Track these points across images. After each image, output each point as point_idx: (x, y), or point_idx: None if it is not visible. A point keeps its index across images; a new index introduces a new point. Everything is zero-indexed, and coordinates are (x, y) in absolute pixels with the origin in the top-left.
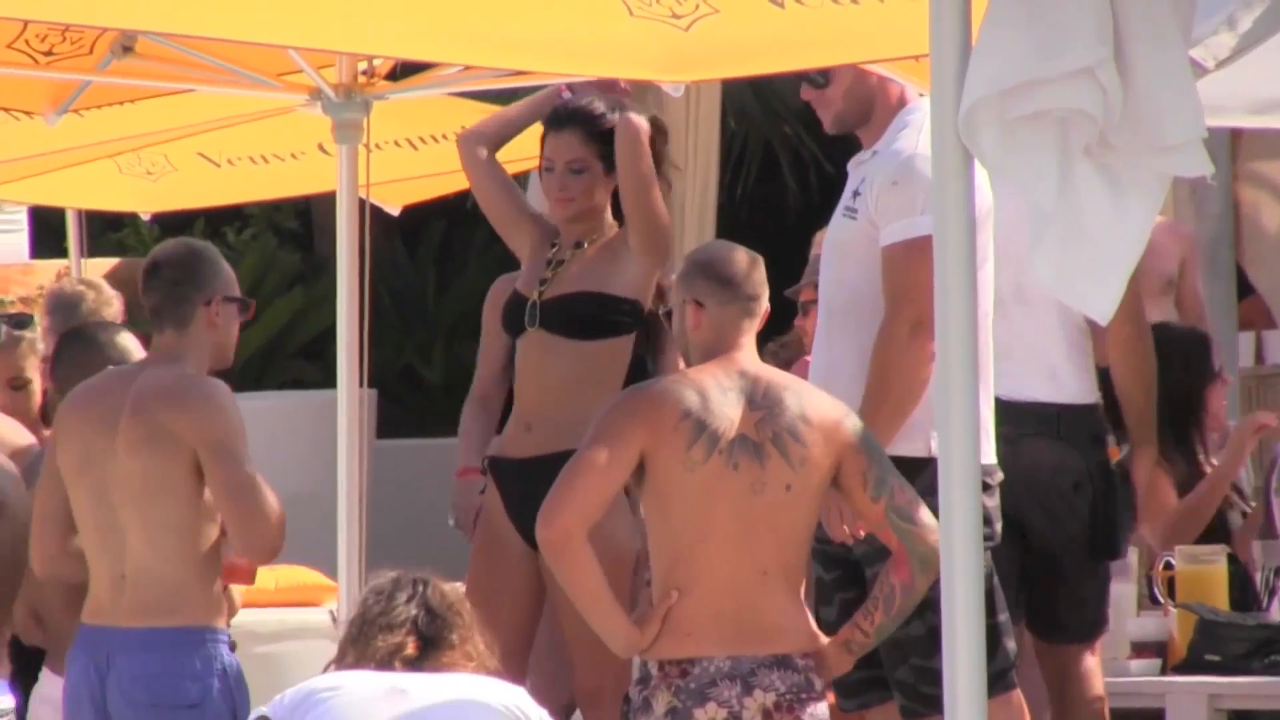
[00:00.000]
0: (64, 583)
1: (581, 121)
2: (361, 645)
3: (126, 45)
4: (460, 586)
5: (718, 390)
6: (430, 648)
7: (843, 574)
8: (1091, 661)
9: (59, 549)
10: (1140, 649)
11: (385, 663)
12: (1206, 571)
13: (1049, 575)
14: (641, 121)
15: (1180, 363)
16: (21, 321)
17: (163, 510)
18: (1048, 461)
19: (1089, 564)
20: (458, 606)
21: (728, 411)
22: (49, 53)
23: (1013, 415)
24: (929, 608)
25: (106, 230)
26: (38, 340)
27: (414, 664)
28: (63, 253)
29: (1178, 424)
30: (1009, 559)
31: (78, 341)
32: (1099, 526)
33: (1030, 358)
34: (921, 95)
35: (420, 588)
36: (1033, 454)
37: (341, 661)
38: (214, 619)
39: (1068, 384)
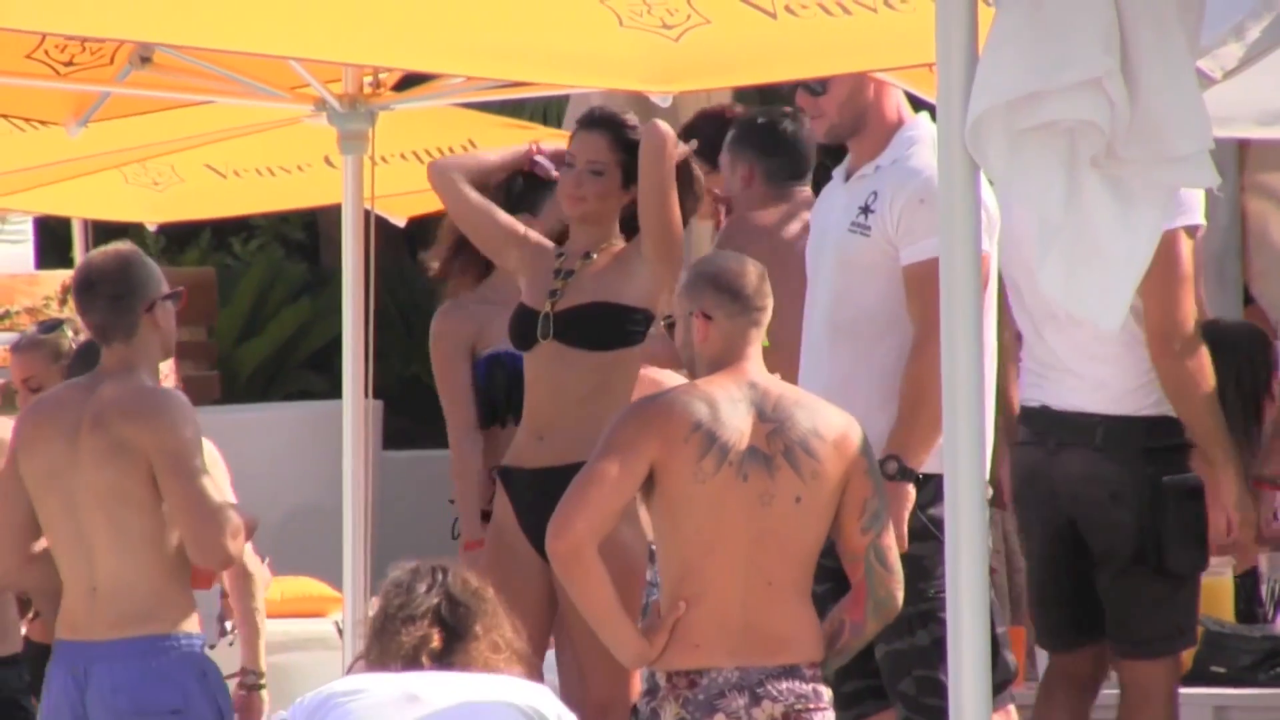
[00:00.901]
0: (26, 591)
1: (611, 127)
2: (385, 640)
3: (145, 56)
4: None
5: (728, 402)
6: (455, 639)
7: (834, 586)
8: (1149, 680)
9: (16, 558)
10: None
11: (411, 658)
12: (1212, 584)
13: (1098, 585)
14: (668, 130)
15: (1243, 360)
16: (50, 326)
17: (129, 520)
18: (1077, 471)
19: (1135, 578)
20: (481, 592)
21: (738, 423)
22: (69, 63)
23: (1055, 425)
24: (932, 619)
25: (111, 240)
26: (61, 344)
27: (440, 657)
28: (68, 263)
29: (1236, 425)
30: (1063, 570)
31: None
32: (1147, 540)
33: (1081, 369)
34: (919, 111)
35: (440, 575)
36: (1067, 464)
37: (367, 659)
38: (187, 624)
39: (1117, 395)
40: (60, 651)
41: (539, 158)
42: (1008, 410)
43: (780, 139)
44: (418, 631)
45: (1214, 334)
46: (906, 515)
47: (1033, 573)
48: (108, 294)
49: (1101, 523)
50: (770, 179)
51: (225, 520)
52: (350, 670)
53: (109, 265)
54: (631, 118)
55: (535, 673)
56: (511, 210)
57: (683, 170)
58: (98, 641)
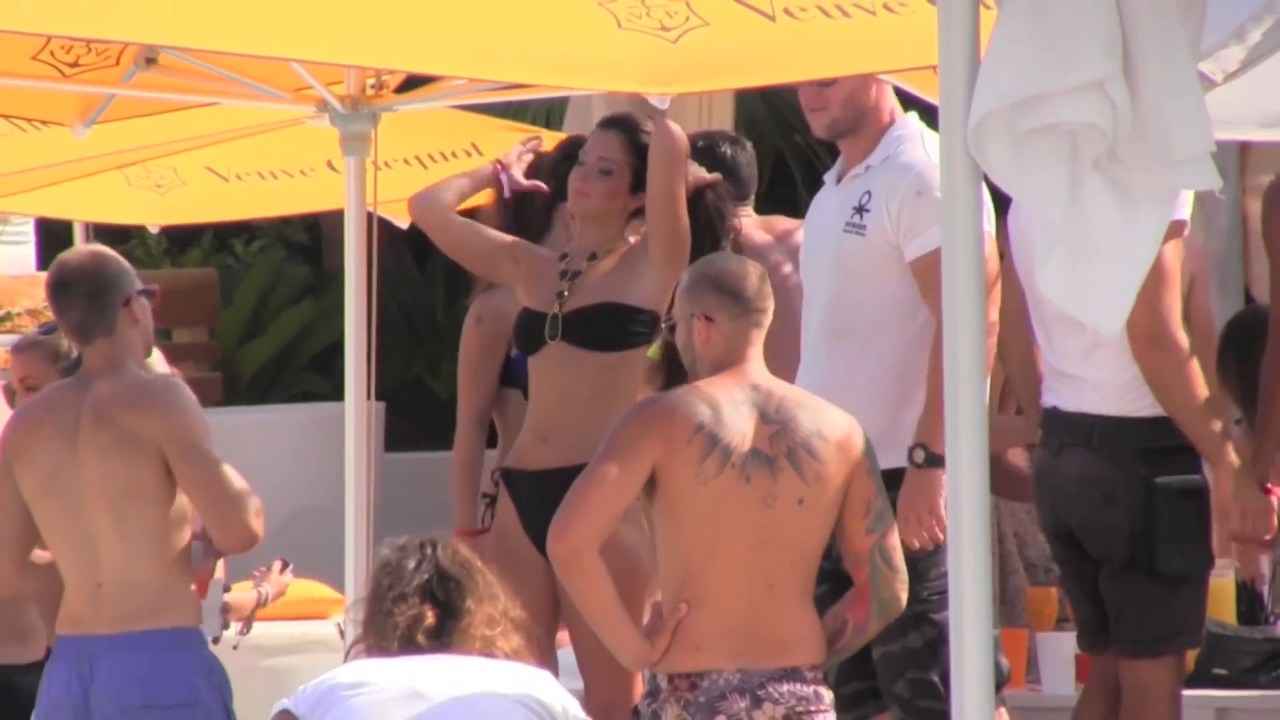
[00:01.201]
0: (25, 599)
1: (626, 129)
2: (379, 620)
3: (150, 57)
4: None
5: (730, 404)
6: (449, 615)
7: (831, 589)
8: (1149, 680)
9: (12, 567)
10: None
11: (407, 638)
12: (1214, 585)
13: (1099, 584)
14: (679, 131)
15: (1261, 346)
16: (50, 328)
17: (134, 515)
18: (1074, 471)
19: (1130, 579)
20: (470, 564)
21: (740, 425)
22: (75, 64)
23: (1059, 426)
24: (925, 620)
25: (113, 243)
26: (59, 346)
27: (436, 635)
28: None
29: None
30: (1075, 572)
31: None
32: (1139, 541)
33: (1084, 371)
34: (908, 112)
35: (429, 550)
36: (1066, 464)
37: (365, 642)
38: (192, 620)
39: (1113, 396)
40: (61, 647)
41: (503, 175)
42: (1030, 413)
43: (719, 163)
44: (410, 610)
45: (1261, 319)
46: (940, 503)
47: (1059, 575)
48: (84, 291)
49: (1097, 524)
50: None
51: (247, 500)
52: (349, 655)
53: (83, 263)
54: (650, 123)
55: (534, 641)
56: (557, 198)
57: (701, 203)
58: (103, 635)
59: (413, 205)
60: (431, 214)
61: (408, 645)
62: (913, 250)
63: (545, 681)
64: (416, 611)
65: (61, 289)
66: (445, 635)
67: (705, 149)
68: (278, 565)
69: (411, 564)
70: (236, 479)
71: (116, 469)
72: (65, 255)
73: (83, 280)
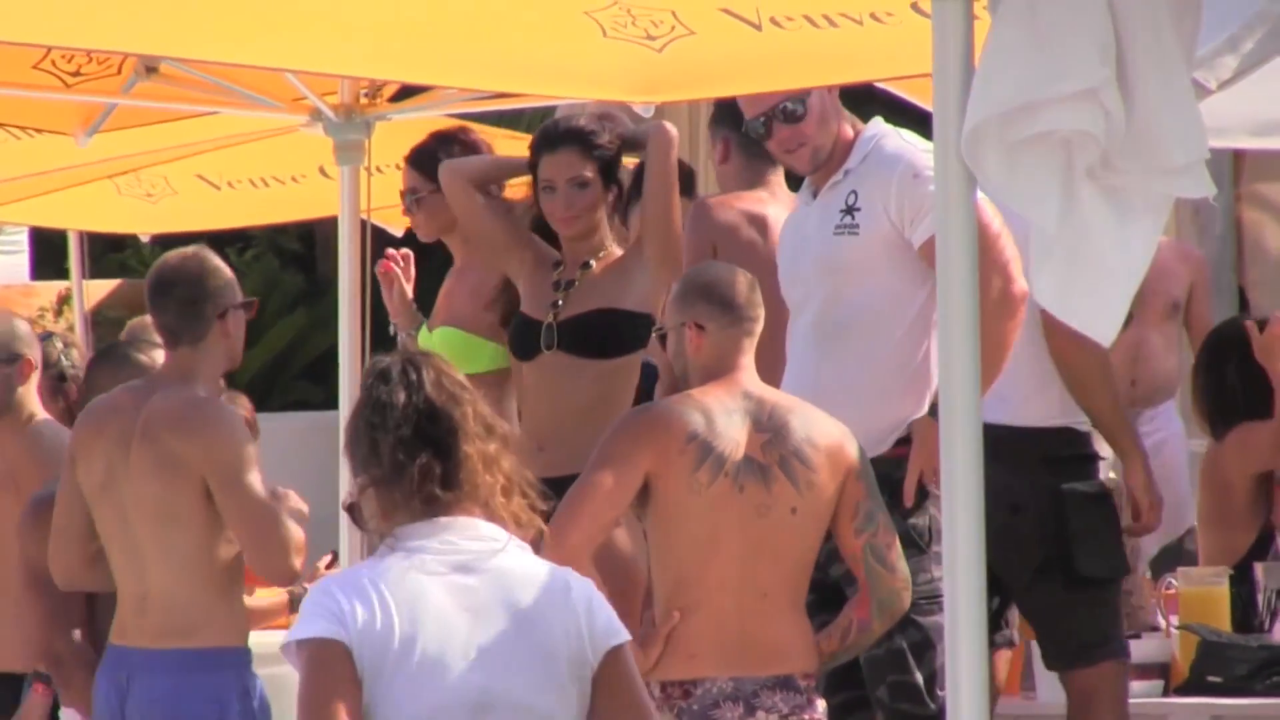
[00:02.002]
0: (87, 592)
1: (577, 139)
2: (392, 476)
3: (150, 66)
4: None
5: (723, 412)
6: (445, 459)
7: (819, 598)
8: (1094, 686)
9: (79, 560)
10: (1142, 670)
11: (423, 492)
12: (1208, 592)
13: (1008, 597)
14: (674, 131)
15: (1244, 353)
16: (39, 338)
17: (177, 534)
18: None
19: (1047, 587)
20: (457, 395)
21: (733, 433)
22: (76, 73)
23: None
24: (909, 623)
25: (108, 251)
26: (48, 354)
27: (445, 486)
28: (64, 274)
29: (1247, 413)
30: None
31: (109, 361)
32: (1051, 549)
33: None
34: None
35: (413, 376)
36: None
37: (385, 502)
38: (234, 640)
39: (1017, 407)
40: (109, 655)
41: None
42: None
43: (739, 114)
44: (417, 461)
45: (1231, 334)
46: None
47: None
48: (182, 296)
49: (1004, 537)
50: (744, 151)
51: (287, 535)
52: (352, 499)
53: (187, 267)
54: (585, 122)
55: (519, 450)
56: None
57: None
58: (142, 649)
59: (444, 172)
60: (459, 186)
61: (426, 499)
62: (921, 233)
63: (578, 608)
64: (423, 462)
65: (159, 289)
66: (451, 484)
67: (729, 101)
68: (326, 560)
69: (401, 398)
70: (280, 513)
71: (157, 489)
72: (170, 254)
73: (181, 284)
